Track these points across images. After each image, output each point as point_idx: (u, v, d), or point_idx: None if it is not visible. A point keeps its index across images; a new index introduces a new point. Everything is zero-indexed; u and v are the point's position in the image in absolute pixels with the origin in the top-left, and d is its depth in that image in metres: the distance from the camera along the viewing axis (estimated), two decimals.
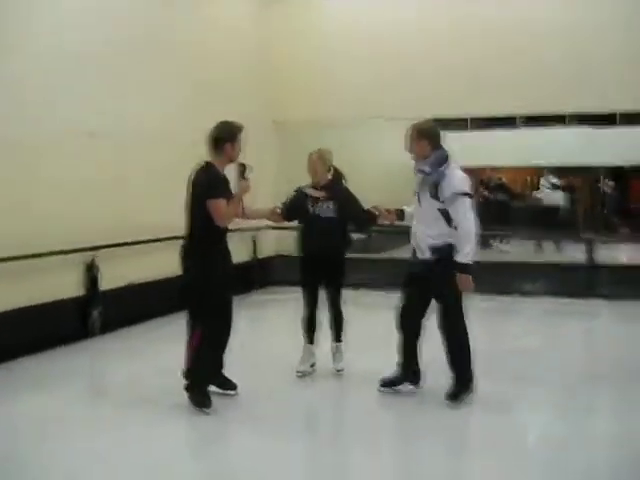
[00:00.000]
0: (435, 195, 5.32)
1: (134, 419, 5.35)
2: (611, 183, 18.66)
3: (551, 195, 15.71)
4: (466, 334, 5.51)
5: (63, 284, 7.57)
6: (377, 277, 10.97)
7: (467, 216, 5.28)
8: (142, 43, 8.71)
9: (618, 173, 20.55)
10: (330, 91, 11.19)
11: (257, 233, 10.78)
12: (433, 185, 5.33)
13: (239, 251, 9.11)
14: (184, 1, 9.65)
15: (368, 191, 15.77)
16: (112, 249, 7.90)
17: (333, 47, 11.26)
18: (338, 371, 6.44)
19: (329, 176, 6.36)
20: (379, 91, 10.94)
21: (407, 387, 5.82)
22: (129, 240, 8.23)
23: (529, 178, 20.21)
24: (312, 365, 6.45)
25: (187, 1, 9.72)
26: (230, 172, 5.54)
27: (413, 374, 5.80)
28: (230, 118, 9.95)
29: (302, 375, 6.37)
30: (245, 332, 7.13)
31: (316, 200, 6.26)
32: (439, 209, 5.33)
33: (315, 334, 6.46)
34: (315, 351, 6.48)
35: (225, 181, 5.49)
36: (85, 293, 7.81)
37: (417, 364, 5.79)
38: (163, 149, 8.86)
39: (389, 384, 5.83)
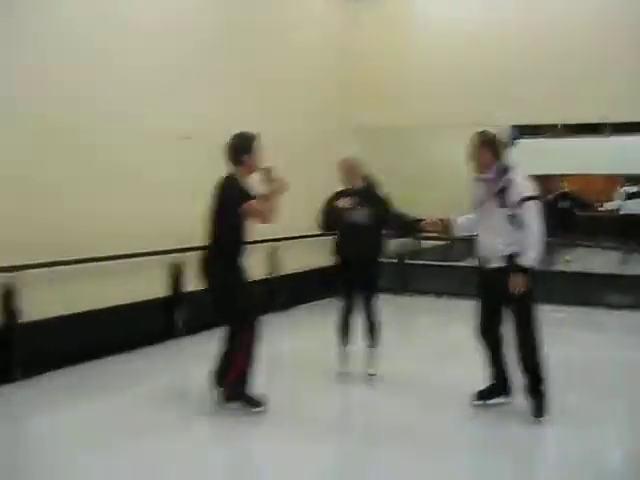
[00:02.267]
0: (503, 203, 5.31)
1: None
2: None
3: (629, 204, 15.24)
4: (539, 345, 5.43)
5: (151, 285, 7.80)
6: (458, 284, 10.92)
7: (535, 220, 5.26)
8: (225, 47, 8.93)
9: None
10: (411, 97, 11.26)
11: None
12: (500, 192, 5.33)
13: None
14: (271, 9, 9.81)
15: (449, 197, 15.85)
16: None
17: (417, 52, 11.34)
18: (370, 375, 6.54)
19: (361, 182, 6.53)
20: (460, 98, 10.96)
21: (499, 400, 5.78)
22: None
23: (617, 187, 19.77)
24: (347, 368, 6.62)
25: (270, 5, 9.86)
26: (254, 182, 5.65)
27: (504, 386, 5.77)
28: (315, 124, 10.26)
29: (343, 377, 6.55)
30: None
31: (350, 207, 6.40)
32: (508, 215, 5.31)
33: (349, 338, 6.65)
34: (350, 355, 6.64)
35: (249, 192, 5.56)
36: (171, 294, 8.05)
37: (506, 375, 5.74)
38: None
39: (481, 397, 5.80)
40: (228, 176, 5.56)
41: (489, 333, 5.66)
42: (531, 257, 5.24)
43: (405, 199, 13.34)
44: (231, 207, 5.45)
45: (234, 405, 5.52)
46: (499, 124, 14.12)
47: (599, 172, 19.71)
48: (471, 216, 5.84)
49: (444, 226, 5.95)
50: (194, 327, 8.17)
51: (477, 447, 5.25)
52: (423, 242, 13.10)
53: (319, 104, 10.61)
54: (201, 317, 7.93)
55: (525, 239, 5.24)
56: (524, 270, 5.24)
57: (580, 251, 14.34)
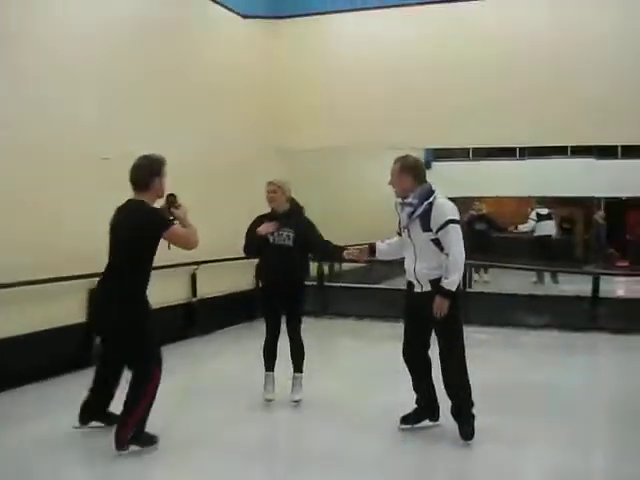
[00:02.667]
0: (426, 227, 5.28)
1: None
2: (601, 214, 18.61)
3: (541, 226, 15.66)
4: (466, 369, 5.44)
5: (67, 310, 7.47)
6: (378, 307, 10.97)
7: (457, 243, 5.23)
8: (143, 67, 8.79)
9: (615, 204, 20.63)
10: (334, 119, 11.20)
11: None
12: (423, 216, 5.28)
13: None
14: (186, 28, 9.73)
15: (371, 218, 15.99)
16: None
17: (337, 74, 11.33)
18: (294, 402, 6.43)
19: (287, 205, 6.49)
20: (382, 120, 10.98)
21: (426, 423, 5.75)
22: None
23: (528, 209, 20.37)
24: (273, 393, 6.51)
25: (189, 28, 9.81)
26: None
27: (431, 409, 5.74)
28: (238, 144, 10.19)
29: (269, 401, 6.44)
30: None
31: (274, 230, 6.35)
32: (432, 239, 5.28)
33: (275, 362, 6.55)
34: (275, 379, 6.54)
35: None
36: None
37: (433, 399, 5.71)
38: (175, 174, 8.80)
39: (408, 421, 5.73)
40: (138, 201, 5.16)
41: (415, 357, 5.63)
42: (453, 281, 5.21)
43: (326, 221, 13.41)
44: (151, 234, 5.10)
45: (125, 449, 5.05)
46: (414, 146, 14.40)
47: (512, 194, 20.23)
48: (393, 240, 5.85)
49: (366, 252, 5.90)
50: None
51: (407, 471, 5.17)
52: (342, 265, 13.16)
53: (240, 126, 10.52)
54: None
55: (447, 263, 5.21)
56: (447, 294, 5.21)
57: (496, 272, 14.54)
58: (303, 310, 6.62)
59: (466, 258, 5.34)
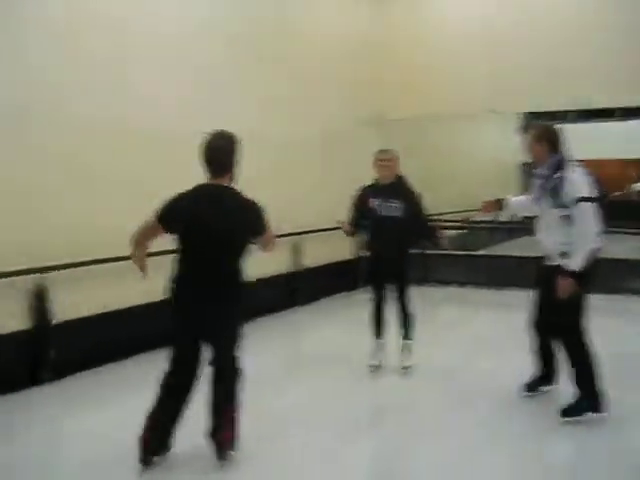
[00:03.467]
0: (556, 203, 5.10)
1: None
2: None
3: None
4: (588, 348, 5.23)
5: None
6: (476, 274, 10.88)
7: (585, 222, 4.99)
8: (252, 42, 8.78)
9: None
10: (435, 86, 11.19)
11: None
12: (553, 191, 5.11)
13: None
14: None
15: (472, 184, 15.82)
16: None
17: (438, 40, 11.31)
18: (404, 368, 6.50)
19: (393, 177, 6.46)
20: (481, 85, 10.93)
21: (547, 387, 5.74)
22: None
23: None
24: (380, 360, 6.59)
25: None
26: None
27: (551, 374, 5.70)
28: (339, 116, 10.17)
29: (374, 369, 6.51)
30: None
31: (384, 199, 6.34)
32: (562, 216, 5.09)
33: (382, 329, 6.62)
34: (384, 346, 6.62)
35: None
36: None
37: (553, 365, 5.66)
38: (272, 145, 8.80)
39: (530, 388, 5.73)
40: (228, 188, 4.49)
41: (541, 324, 5.55)
42: (577, 262, 5.01)
43: (427, 190, 13.33)
44: (252, 230, 4.55)
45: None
46: (515, 111, 13.94)
47: (612, 156, 19.65)
48: (523, 197, 5.82)
49: (499, 205, 5.84)
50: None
51: (514, 438, 5.12)
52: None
53: (338, 95, 10.48)
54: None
55: (575, 243, 5.04)
56: (569, 274, 5.03)
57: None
58: (410, 278, 6.64)
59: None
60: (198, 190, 4.45)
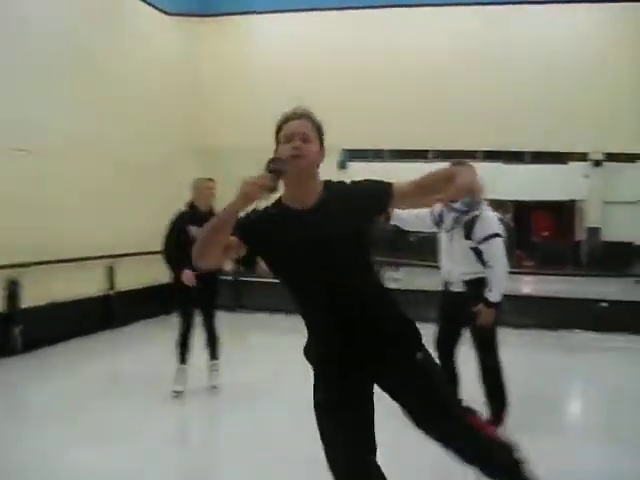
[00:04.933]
0: (468, 235, 5.47)
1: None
2: (509, 216, 19.31)
3: None
4: (500, 367, 5.66)
5: None
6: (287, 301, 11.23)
7: (499, 257, 5.41)
8: (69, 64, 8.88)
9: (522, 207, 21.47)
10: (255, 118, 11.33)
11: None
12: (467, 225, 5.48)
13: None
14: (108, 25, 9.80)
15: None
16: (35, 267, 7.96)
17: (259, 75, 11.52)
18: (212, 387, 6.72)
19: (210, 203, 6.66)
20: None
21: None
22: (52, 258, 8.26)
23: None
24: (184, 386, 6.58)
25: (111, 25, 9.87)
26: None
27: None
28: (157, 143, 10.32)
29: (177, 395, 6.52)
30: None
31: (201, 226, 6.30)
32: (471, 248, 5.48)
33: (187, 355, 6.68)
34: (187, 372, 6.66)
35: None
36: (6, 310, 7.87)
37: (457, 384, 5.88)
38: (88, 168, 9.00)
39: None
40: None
41: (446, 349, 5.85)
42: (496, 294, 5.42)
43: None
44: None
45: None
46: (334, 146, 14.40)
47: None
48: (414, 212, 5.91)
49: (387, 216, 5.80)
50: (31, 344, 8.05)
51: None
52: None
53: (160, 125, 10.69)
54: (39, 333, 8.07)
55: (490, 276, 5.41)
56: (491, 305, 5.40)
57: (407, 270, 14.88)
58: (216, 301, 6.87)
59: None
60: None
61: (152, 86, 10.60)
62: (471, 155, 11.59)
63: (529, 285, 14.53)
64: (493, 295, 5.42)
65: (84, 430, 5.59)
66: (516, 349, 8.67)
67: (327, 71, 11.18)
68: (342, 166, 22.21)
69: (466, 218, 5.50)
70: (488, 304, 5.42)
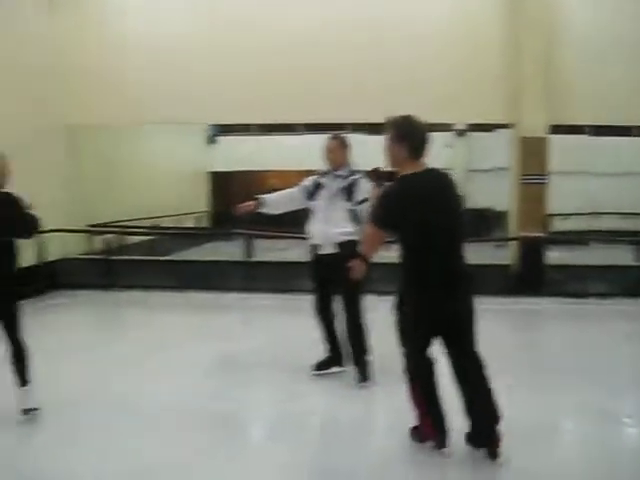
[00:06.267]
0: (349, 198, 6.13)
1: None
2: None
3: None
4: (364, 320, 6.26)
5: None
6: (165, 278, 11.33)
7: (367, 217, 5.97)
8: None
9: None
10: (118, 96, 11.27)
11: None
12: (347, 189, 6.15)
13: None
14: None
15: (157, 194, 16.20)
16: None
17: (124, 51, 11.39)
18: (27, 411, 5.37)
19: None
20: (164, 96, 11.18)
21: (335, 369, 6.48)
22: None
23: None
24: None
25: None
26: None
27: (338, 357, 6.45)
28: (20, 121, 9.99)
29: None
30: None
31: None
32: (349, 209, 6.13)
33: None
34: None
35: None
36: None
37: (339, 348, 6.43)
38: None
39: (322, 367, 6.46)
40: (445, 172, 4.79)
41: (325, 311, 6.39)
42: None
43: (109, 200, 13.43)
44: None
45: None
46: (200, 122, 14.47)
47: (292, 168, 20.90)
48: (281, 193, 6.62)
49: (257, 205, 6.47)
50: None
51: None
52: (128, 238, 13.33)
53: (26, 101, 10.38)
54: None
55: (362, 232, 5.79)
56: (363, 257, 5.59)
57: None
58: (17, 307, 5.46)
59: None
60: (423, 177, 4.61)
61: (14, 64, 10.27)
62: (340, 127, 11.82)
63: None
64: (362, 248, 5.75)
65: None
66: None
67: (194, 43, 11.17)
68: (211, 141, 22.35)
69: (345, 183, 6.19)
70: (360, 257, 5.55)
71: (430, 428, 4.64)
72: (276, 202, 6.56)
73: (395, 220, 4.51)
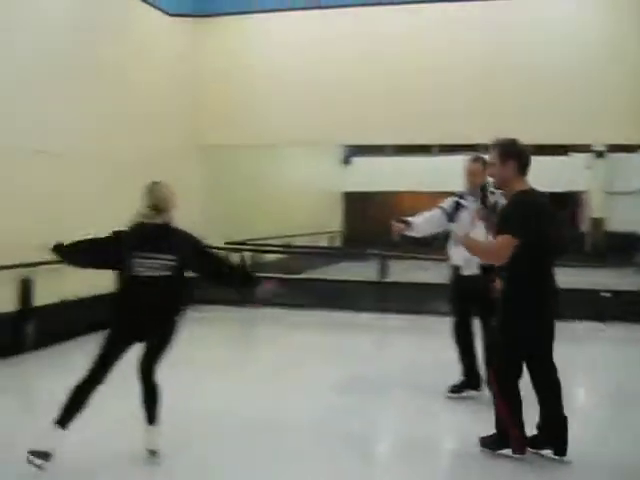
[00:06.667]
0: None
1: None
2: None
3: None
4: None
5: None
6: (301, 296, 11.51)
7: None
8: (69, 67, 8.92)
9: None
10: (253, 116, 11.47)
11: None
12: (493, 209, 5.96)
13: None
14: (109, 25, 9.81)
15: (290, 213, 16.41)
16: (48, 266, 8.01)
17: (257, 73, 11.58)
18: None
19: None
20: (299, 117, 11.30)
21: (470, 393, 6.42)
22: None
23: None
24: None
25: (112, 25, 9.88)
26: None
27: (475, 379, 6.41)
28: (158, 143, 10.40)
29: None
30: None
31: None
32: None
33: None
34: None
35: None
36: (19, 308, 7.97)
37: (477, 370, 6.40)
38: (99, 167, 9.10)
39: (457, 390, 6.43)
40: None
41: (465, 332, 6.38)
42: None
43: (244, 219, 13.65)
44: None
45: None
46: (337, 142, 14.57)
47: (427, 189, 20.84)
48: (426, 215, 6.48)
49: (406, 227, 6.32)
50: (44, 341, 8.17)
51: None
52: (263, 256, 13.58)
53: (159, 123, 10.72)
54: (51, 331, 8.20)
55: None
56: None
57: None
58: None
59: None
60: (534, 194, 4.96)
61: (152, 85, 10.65)
62: (473, 149, 11.69)
63: (567, 277, 14.60)
64: None
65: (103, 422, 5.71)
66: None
67: (330, 67, 11.24)
68: (346, 162, 22.58)
69: (490, 203, 6.11)
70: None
71: (517, 435, 4.90)
72: (421, 225, 6.44)
73: (531, 227, 4.69)
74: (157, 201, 4.83)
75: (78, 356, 7.56)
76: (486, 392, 6.13)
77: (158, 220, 4.80)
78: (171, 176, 9.18)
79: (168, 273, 4.74)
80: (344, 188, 22.74)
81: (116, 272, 4.79)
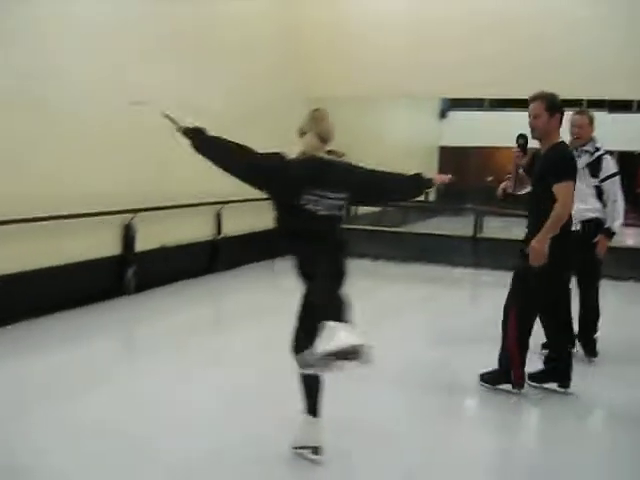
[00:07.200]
0: (595, 175, 6.07)
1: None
2: None
3: None
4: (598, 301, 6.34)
5: (101, 244, 8.06)
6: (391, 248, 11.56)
7: (621, 193, 6.15)
8: (181, 28, 9.14)
9: (628, 158, 20.86)
10: (365, 68, 11.51)
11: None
12: (593, 165, 6.07)
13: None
14: None
15: (387, 167, 16.33)
16: (148, 212, 8.35)
17: (369, 25, 11.59)
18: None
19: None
20: (411, 70, 11.29)
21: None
22: (166, 204, 8.66)
23: None
24: None
25: None
26: None
27: (570, 336, 6.21)
28: (266, 96, 10.55)
29: None
30: None
31: None
32: (595, 186, 6.09)
33: None
34: None
35: None
36: (122, 253, 8.30)
37: (571, 330, 6.25)
38: (204, 122, 9.21)
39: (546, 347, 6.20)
40: None
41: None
42: (619, 224, 6.10)
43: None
44: None
45: None
46: (433, 95, 14.38)
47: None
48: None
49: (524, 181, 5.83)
50: (144, 285, 8.48)
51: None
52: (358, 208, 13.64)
53: (270, 74, 10.91)
54: (151, 276, 8.57)
55: (612, 209, 6.07)
56: (611, 236, 6.12)
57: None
58: None
59: None
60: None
61: (255, 36, 10.71)
62: (577, 104, 11.42)
63: (631, 237, 14.33)
64: (616, 225, 6.06)
65: (194, 359, 5.99)
66: (615, 301, 8.72)
67: (426, 20, 11.22)
68: (442, 115, 22.29)
69: (591, 159, 6.09)
70: (609, 234, 6.07)
71: (518, 370, 5.31)
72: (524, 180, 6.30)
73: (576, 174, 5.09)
74: (327, 131, 4.29)
75: (174, 300, 8.10)
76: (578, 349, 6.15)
77: (322, 153, 4.24)
78: (281, 127, 9.43)
79: (339, 213, 4.19)
80: (440, 142, 22.51)
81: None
